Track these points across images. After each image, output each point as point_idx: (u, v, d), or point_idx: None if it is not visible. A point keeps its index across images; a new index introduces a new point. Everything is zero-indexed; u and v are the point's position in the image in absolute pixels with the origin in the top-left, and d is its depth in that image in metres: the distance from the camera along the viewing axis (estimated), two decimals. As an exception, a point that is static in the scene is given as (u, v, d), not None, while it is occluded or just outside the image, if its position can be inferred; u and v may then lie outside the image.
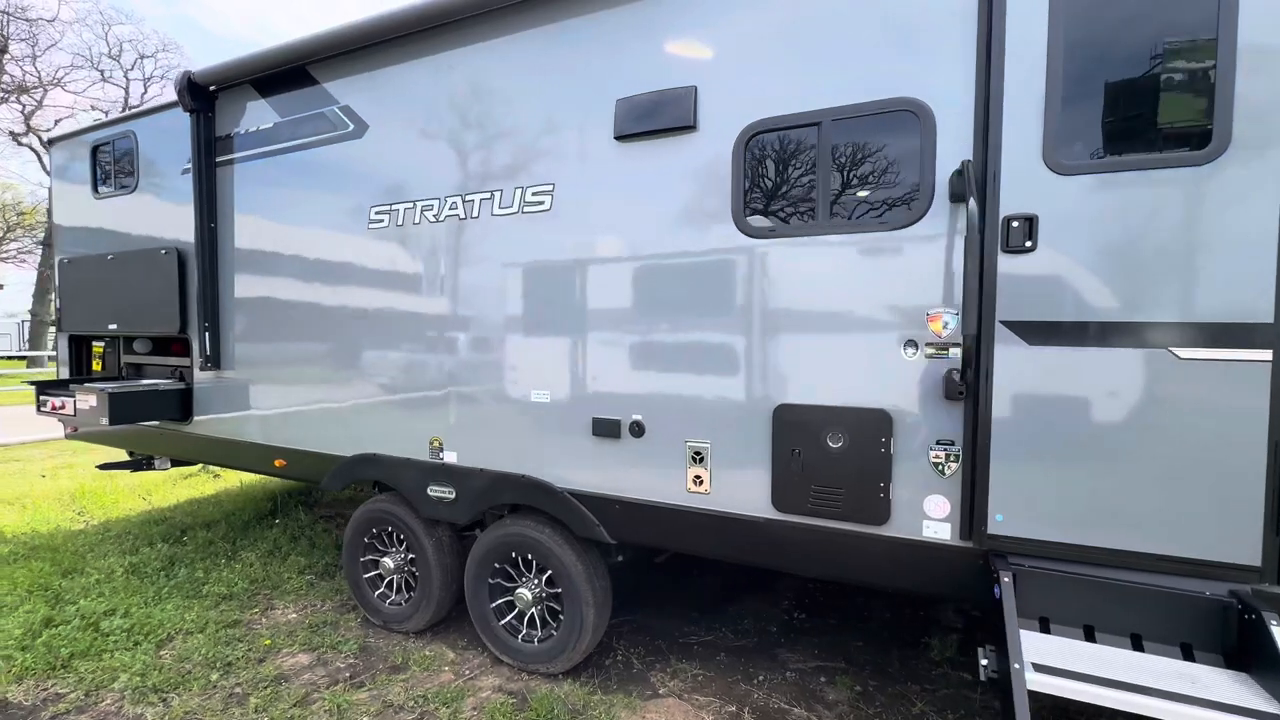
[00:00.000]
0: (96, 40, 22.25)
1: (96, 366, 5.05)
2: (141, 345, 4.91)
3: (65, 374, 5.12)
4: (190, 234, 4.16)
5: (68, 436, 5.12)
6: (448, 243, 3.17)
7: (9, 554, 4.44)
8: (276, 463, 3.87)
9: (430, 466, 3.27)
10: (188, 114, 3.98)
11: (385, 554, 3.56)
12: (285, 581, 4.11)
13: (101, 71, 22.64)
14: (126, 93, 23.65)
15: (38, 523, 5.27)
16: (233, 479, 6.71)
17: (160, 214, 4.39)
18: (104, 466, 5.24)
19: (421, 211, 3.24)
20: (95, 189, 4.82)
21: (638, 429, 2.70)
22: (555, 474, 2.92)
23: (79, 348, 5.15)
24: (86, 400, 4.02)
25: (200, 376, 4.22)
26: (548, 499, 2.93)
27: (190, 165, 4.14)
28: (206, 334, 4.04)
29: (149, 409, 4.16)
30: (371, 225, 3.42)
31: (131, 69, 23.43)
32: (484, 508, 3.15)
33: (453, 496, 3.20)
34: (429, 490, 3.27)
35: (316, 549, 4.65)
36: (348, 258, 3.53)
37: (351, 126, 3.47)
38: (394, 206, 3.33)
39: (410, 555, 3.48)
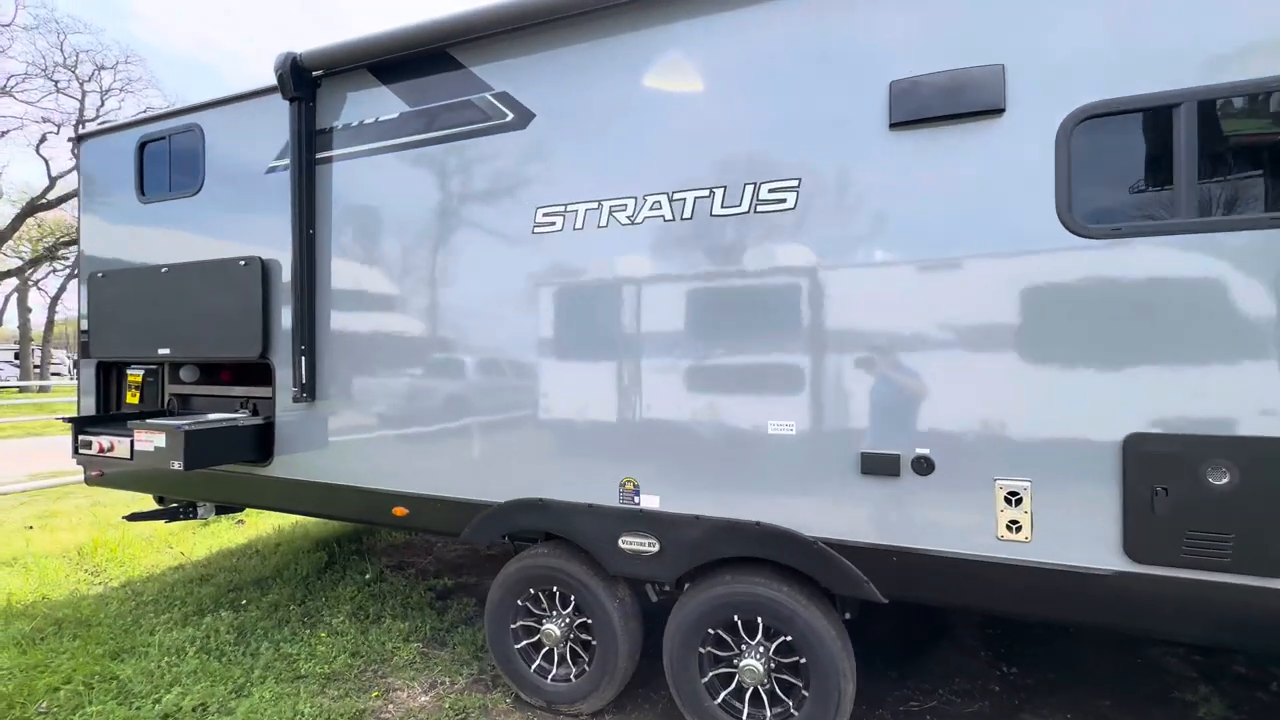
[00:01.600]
0: (51, 49, 20.71)
1: (132, 399, 4.29)
2: (188, 373, 4.20)
3: (90, 405, 4.33)
4: (276, 242, 3.58)
5: (90, 482, 4.31)
6: (647, 248, 2.71)
7: (32, 632, 3.61)
8: (395, 511, 3.24)
9: (622, 513, 2.74)
10: (288, 102, 3.41)
11: (546, 619, 2.98)
12: (393, 654, 3.44)
13: (55, 82, 21.13)
14: (81, 105, 22.13)
15: (47, 587, 4.39)
16: (264, 525, 5.89)
17: (235, 220, 3.76)
18: (133, 518, 4.43)
19: (610, 213, 2.77)
20: (141, 191, 4.13)
21: (924, 465, 2.27)
22: (802, 520, 2.45)
23: (108, 376, 4.38)
24: (150, 440, 3.31)
25: (286, 409, 3.57)
26: (793, 551, 2.45)
27: (281, 162, 3.56)
28: (302, 359, 3.41)
29: (229, 449, 3.47)
30: (538, 229, 2.92)
31: (89, 80, 21.97)
32: (700, 562, 2.64)
33: (655, 549, 2.68)
34: (621, 542, 2.73)
35: (411, 609, 3.98)
36: (503, 266, 3.01)
37: (510, 116, 2.98)
38: (571, 207, 2.85)
39: (581, 620, 2.92)
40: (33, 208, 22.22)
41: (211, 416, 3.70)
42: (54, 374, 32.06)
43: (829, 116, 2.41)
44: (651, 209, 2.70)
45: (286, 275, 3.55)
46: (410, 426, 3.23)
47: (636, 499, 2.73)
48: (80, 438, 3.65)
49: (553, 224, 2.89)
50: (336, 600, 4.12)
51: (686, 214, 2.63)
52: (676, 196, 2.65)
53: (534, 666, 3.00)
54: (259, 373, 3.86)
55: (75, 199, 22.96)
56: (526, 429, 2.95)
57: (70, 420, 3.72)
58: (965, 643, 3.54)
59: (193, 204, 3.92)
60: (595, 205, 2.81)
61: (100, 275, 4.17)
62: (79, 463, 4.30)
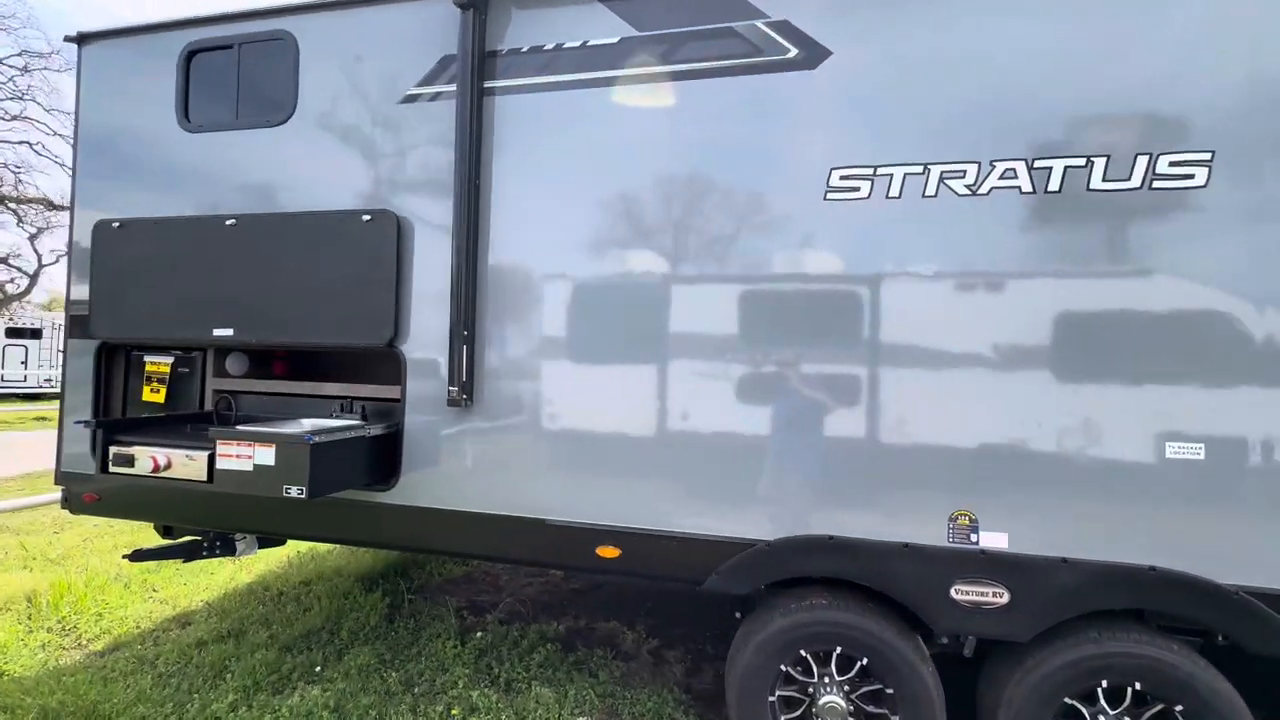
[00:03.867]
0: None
1: (151, 395, 3.15)
2: (236, 363, 3.17)
3: (82, 404, 3.13)
4: (412, 194, 2.74)
5: (76, 507, 3.13)
6: (994, 225, 2.19)
7: (24, 735, 2.45)
8: (601, 553, 2.48)
9: (955, 555, 2.18)
10: (460, 10, 2.59)
11: (823, 689, 2.34)
12: (569, 735, 2.65)
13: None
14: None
15: (3, 657, 3.12)
16: (267, 558, 4.70)
17: (346, 161, 2.84)
18: (136, 556, 3.26)
19: (942, 180, 2.23)
20: (186, 116, 3.07)
21: (1382, 499, 1.91)
22: (1212, 565, 2.01)
23: (111, 364, 3.21)
24: (249, 455, 2.33)
25: (424, 415, 2.69)
26: (1202, 602, 2.01)
27: (426, 90, 2.73)
28: (464, 349, 2.58)
29: (355, 469, 2.55)
30: (833, 194, 2.32)
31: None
32: (1069, 615, 2.13)
33: (1004, 600, 2.14)
34: (954, 591, 2.17)
35: (548, 667, 3.16)
36: (774, 239, 2.38)
37: (794, 52, 2.37)
38: (882, 170, 2.28)
39: (868, 688, 2.31)
40: None
41: (308, 424, 2.74)
42: None
43: (1262, 79, 2.02)
44: (1003, 178, 2.19)
45: (428, 237, 2.71)
46: (624, 438, 2.49)
47: (974, 537, 2.18)
48: (113, 449, 2.55)
49: (855, 190, 2.30)
50: (439, 659, 3.21)
51: (1053, 186, 2.15)
52: (1039, 164, 2.16)
53: (802, 750, 2.36)
54: (368, 365, 2.96)
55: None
56: (810, 446, 2.32)
57: (97, 425, 2.59)
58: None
59: (275, 136, 2.94)
60: (919, 169, 2.25)
61: (116, 225, 3.04)
62: (58, 482, 3.15)
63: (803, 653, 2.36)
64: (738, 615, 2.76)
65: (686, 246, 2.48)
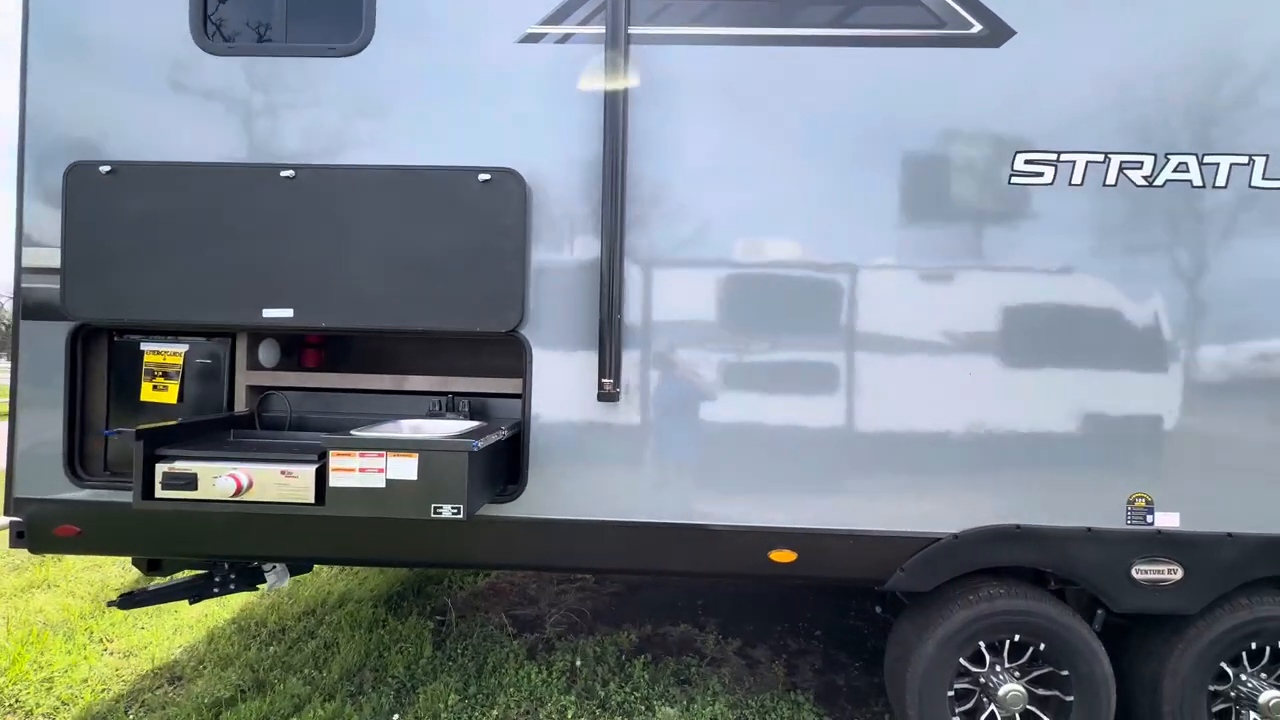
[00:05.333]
0: None
1: (158, 395, 2.42)
2: (268, 353, 2.56)
3: (50, 407, 2.34)
4: (534, 152, 2.32)
5: (43, 542, 2.36)
6: (1169, 216, 2.25)
7: None
8: (773, 557, 2.28)
9: (1134, 536, 2.25)
10: (612, -65, 2.20)
11: (1000, 679, 2.32)
12: (721, 755, 2.43)
13: None
14: None
15: (-67, 757, 2.28)
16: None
17: (443, 107, 2.34)
18: (128, 601, 2.51)
19: (1121, 170, 2.25)
20: (204, 31, 2.37)
21: None
22: (1349, 530, 2.25)
23: (87, 354, 2.43)
24: (381, 469, 1.82)
25: (556, 413, 2.30)
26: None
27: (551, 29, 2.33)
28: (619, 334, 2.23)
29: (495, 479, 2.11)
30: (1017, 178, 2.27)
31: None
32: (1231, 587, 2.26)
33: (1178, 576, 2.24)
34: (1135, 571, 2.24)
35: (654, 682, 2.88)
36: (952, 223, 2.29)
37: (977, 28, 2.28)
38: (1065, 156, 2.26)
39: (1041, 671, 2.33)
40: None
41: (407, 425, 2.23)
42: None
43: (1391, 94, 2.24)
44: (1176, 171, 2.26)
45: (558, 204, 2.32)
46: (803, 432, 2.29)
47: (1150, 518, 2.26)
48: (162, 468, 1.88)
49: (1040, 175, 2.27)
50: (526, 688, 2.82)
51: (1219, 181, 2.25)
52: (1208, 160, 2.25)
53: (978, 741, 2.33)
54: (445, 354, 2.51)
55: None
56: (999, 437, 2.27)
57: (137, 435, 1.89)
58: None
59: (343, 68, 2.35)
60: (1100, 158, 2.26)
61: (105, 170, 2.28)
62: (9, 512, 2.39)
63: (981, 643, 2.34)
64: (878, 610, 2.71)
65: (851, 224, 2.32)
